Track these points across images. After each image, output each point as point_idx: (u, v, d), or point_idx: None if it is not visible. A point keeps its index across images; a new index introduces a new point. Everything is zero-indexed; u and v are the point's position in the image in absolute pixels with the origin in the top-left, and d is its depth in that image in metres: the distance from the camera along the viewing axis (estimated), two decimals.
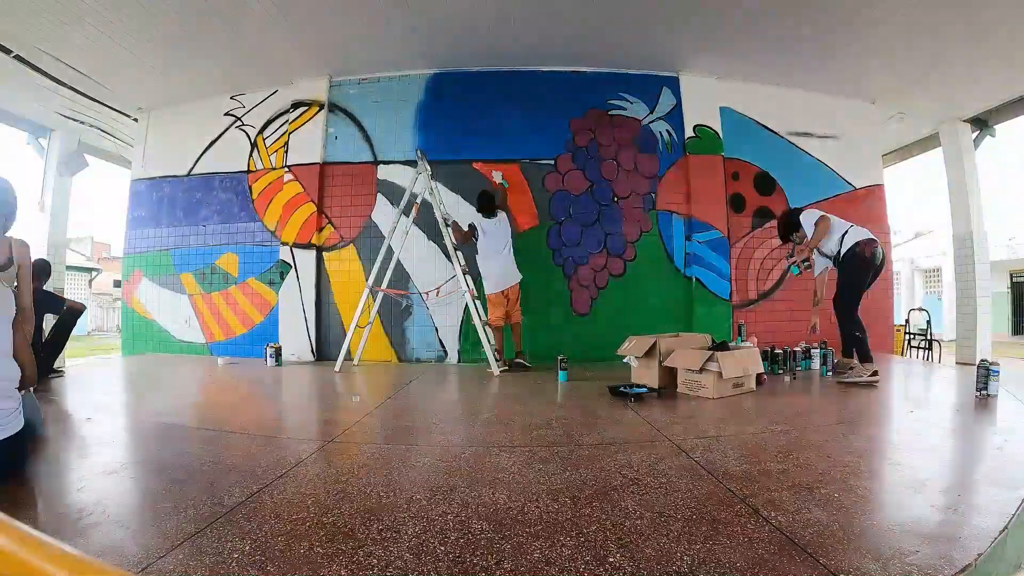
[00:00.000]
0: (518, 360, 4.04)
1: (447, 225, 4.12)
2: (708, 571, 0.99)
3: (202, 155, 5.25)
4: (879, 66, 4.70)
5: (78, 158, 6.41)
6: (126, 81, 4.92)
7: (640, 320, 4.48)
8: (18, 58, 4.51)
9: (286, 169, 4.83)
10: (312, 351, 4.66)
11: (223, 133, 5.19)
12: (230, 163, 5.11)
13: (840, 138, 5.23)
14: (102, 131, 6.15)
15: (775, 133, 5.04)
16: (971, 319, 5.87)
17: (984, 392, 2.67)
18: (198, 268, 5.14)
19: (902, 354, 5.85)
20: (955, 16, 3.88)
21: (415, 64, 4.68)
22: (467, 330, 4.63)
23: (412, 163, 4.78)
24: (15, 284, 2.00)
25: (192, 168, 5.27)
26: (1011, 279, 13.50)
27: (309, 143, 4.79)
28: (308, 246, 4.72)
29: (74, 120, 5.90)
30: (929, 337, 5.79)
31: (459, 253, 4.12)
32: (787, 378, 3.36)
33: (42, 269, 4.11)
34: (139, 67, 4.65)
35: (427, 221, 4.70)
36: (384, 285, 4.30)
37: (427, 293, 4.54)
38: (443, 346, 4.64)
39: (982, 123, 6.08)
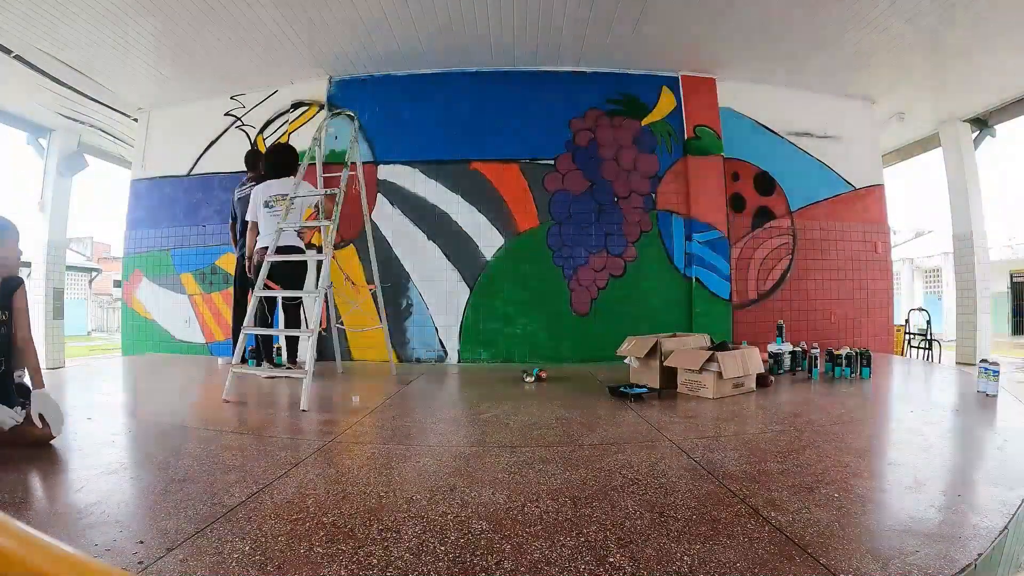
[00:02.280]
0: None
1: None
2: (708, 571, 0.99)
3: (202, 155, 5.25)
4: (880, 67, 4.70)
5: (78, 158, 6.42)
6: (126, 81, 4.92)
7: (640, 320, 4.48)
8: (18, 58, 4.51)
9: None
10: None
11: (223, 133, 5.19)
12: (230, 163, 5.09)
13: (840, 138, 5.23)
14: (102, 131, 6.15)
15: (775, 133, 5.04)
16: (971, 319, 5.88)
17: (984, 392, 2.67)
18: (198, 268, 5.14)
19: (902, 354, 5.86)
20: (956, 16, 3.88)
21: (415, 64, 4.68)
22: (467, 330, 4.64)
23: (411, 163, 4.80)
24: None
25: (192, 168, 5.27)
26: (1011, 279, 13.51)
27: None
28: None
29: (74, 120, 5.90)
30: (929, 337, 5.79)
31: None
32: (812, 379, 3.34)
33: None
34: (140, 67, 4.65)
35: (427, 219, 4.71)
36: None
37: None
38: (443, 346, 4.64)
39: (982, 123, 6.08)
